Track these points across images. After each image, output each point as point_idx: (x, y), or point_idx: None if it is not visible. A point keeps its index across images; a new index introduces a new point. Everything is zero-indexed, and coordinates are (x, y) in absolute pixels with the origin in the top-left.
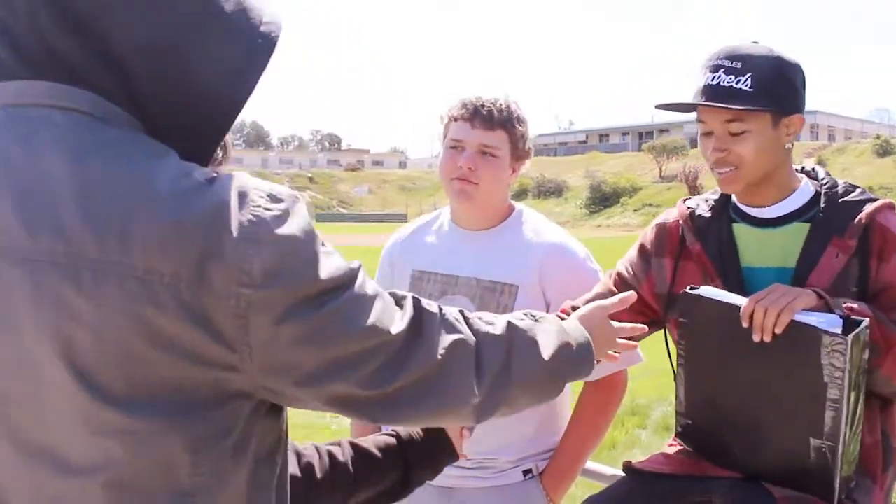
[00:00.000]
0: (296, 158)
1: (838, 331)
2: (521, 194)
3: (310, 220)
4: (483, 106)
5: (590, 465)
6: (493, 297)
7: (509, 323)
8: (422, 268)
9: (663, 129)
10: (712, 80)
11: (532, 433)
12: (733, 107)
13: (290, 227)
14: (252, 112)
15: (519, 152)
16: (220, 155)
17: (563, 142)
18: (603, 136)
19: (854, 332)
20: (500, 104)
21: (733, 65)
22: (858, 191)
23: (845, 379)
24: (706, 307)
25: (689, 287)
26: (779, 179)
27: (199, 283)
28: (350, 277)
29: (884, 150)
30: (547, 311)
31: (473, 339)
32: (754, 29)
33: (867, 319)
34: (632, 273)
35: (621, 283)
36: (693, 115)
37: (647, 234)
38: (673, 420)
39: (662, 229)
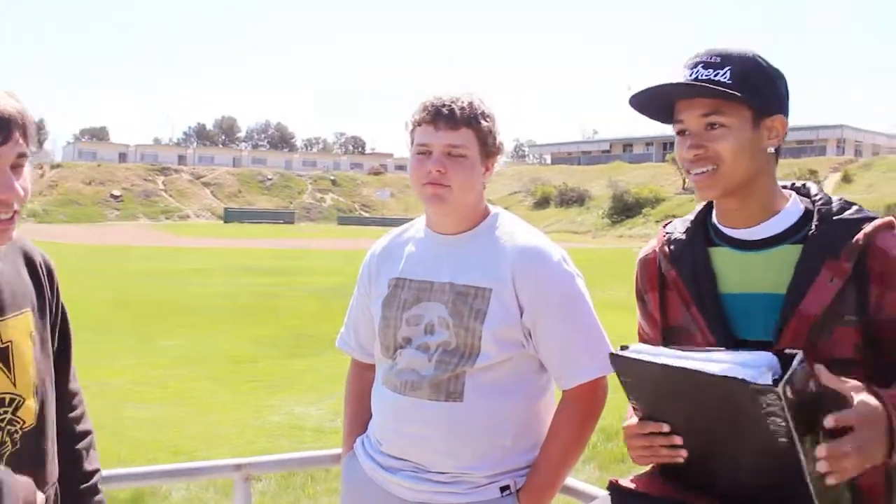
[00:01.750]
0: (319, 161)
1: (769, 380)
2: (543, 203)
3: None
4: (444, 106)
5: (570, 481)
6: (466, 302)
7: None
8: (398, 275)
9: None
10: (690, 75)
11: (509, 446)
12: (711, 87)
13: None
14: (277, 113)
15: (489, 149)
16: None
17: (587, 151)
18: (627, 145)
19: (785, 379)
20: (462, 102)
21: (712, 59)
22: (855, 208)
23: (790, 424)
24: (635, 366)
25: (619, 346)
26: (760, 192)
27: None
28: None
29: None
30: (521, 315)
31: None
32: (780, 41)
33: (799, 353)
34: (641, 323)
35: (645, 339)
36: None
37: (635, 272)
38: None
39: (644, 263)
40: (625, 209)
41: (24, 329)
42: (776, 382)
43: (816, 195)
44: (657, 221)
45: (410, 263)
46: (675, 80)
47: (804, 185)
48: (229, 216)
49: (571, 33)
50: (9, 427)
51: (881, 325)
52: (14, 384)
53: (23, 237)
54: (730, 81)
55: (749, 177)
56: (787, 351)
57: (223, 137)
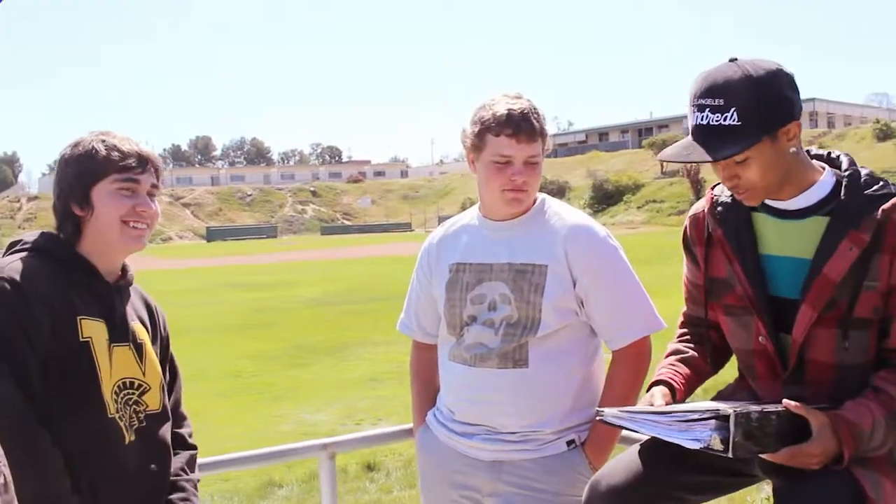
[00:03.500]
0: (297, 173)
1: (719, 446)
2: None
3: None
4: (524, 119)
5: (627, 433)
6: (525, 278)
7: None
8: (458, 260)
9: (662, 125)
10: (701, 119)
11: (571, 405)
12: (727, 155)
13: None
14: (252, 129)
15: (546, 146)
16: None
17: (563, 143)
18: (602, 134)
19: (731, 445)
20: (534, 112)
21: (716, 102)
22: (881, 184)
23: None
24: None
25: (596, 412)
26: (794, 179)
27: None
28: None
29: (884, 135)
30: (573, 286)
31: None
32: (750, 18)
33: (732, 414)
34: (687, 270)
35: (689, 285)
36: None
37: (685, 228)
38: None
39: (694, 220)
40: (605, 197)
41: (148, 339)
42: (725, 444)
43: (846, 169)
44: (639, 207)
45: (469, 249)
46: (691, 138)
47: (838, 156)
48: (212, 235)
49: (541, 26)
50: (134, 406)
51: (891, 289)
52: (143, 374)
53: (143, 289)
54: (739, 123)
55: (782, 178)
56: (720, 413)
57: (199, 157)
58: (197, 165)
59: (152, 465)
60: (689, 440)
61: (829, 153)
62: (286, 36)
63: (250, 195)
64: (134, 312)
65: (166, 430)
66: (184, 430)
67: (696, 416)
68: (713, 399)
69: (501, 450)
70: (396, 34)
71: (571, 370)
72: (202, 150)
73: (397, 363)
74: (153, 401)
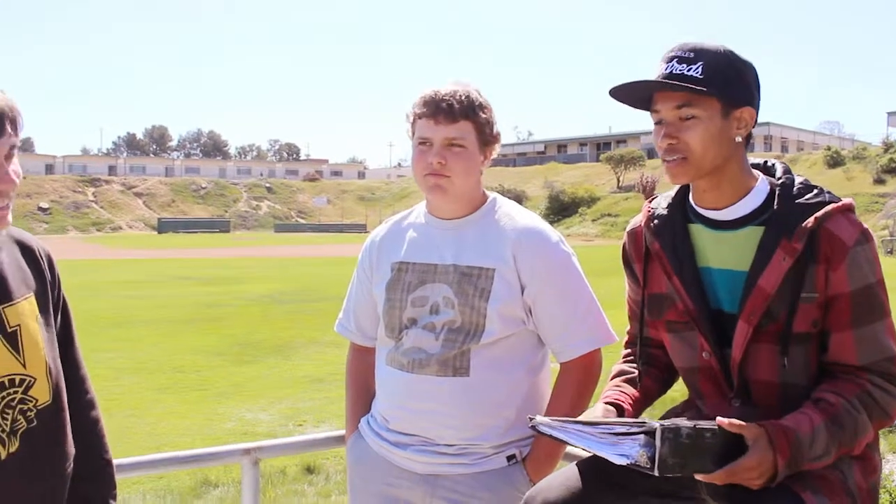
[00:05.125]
0: (254, 168)
1: (647, 463)
2: None
3: None
4: (443, 100)
5: (571, 449)
6: (471, 282)
7: None
8: (401, 259)
9: (620, 140)
10: (666, 69)
11: (513, 418)
12: (682, 84)
13: None
14: (209, 121)
15: (486, 138)
16: None
17: (522, 152)
18: (561, 146)
19: (657, 463)
20: (460, 95)
21: (686, 54)
22: (815, 191)
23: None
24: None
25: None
26: (731, 176)
27: None
28: None
29: (834, 161)
30: (521, 293)
31: None
32: (714, 36)
33: (658, 429)
34: (629, 288)
35: (632, 303)
36: (649, 126)
37: (623, 245)
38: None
39: (632, 235)
40: (561, 209)
41: (30, 312)
42: (651, 461)
43: (780, 177)
44: (593, 220)
45: (413, 247)
46: (650, 78)
47: (773, 164)
48: (163, 226)
49: (504, 35)
50: (20, 406)
51: (828, 301)
52: (24, 365)
53: (17, 229)
54: (701, 76)
55: (717, 164)
56: (647, 427)
57: (154, 147)
58: (151, 155)
59: (43, 474)
60: (616, 455)
61: (765, 162)
62: (249, 31)
63: (205, 188)
64: (7, 280)
65: (62, 422)
66: (85, 402)
67: (624, 429)
68: (661, 418)
69: (437, 462)
70: (361, 36)
71: (515, 381)
72: (158, 140)
73: (344, 365)
74: (41, 393)
